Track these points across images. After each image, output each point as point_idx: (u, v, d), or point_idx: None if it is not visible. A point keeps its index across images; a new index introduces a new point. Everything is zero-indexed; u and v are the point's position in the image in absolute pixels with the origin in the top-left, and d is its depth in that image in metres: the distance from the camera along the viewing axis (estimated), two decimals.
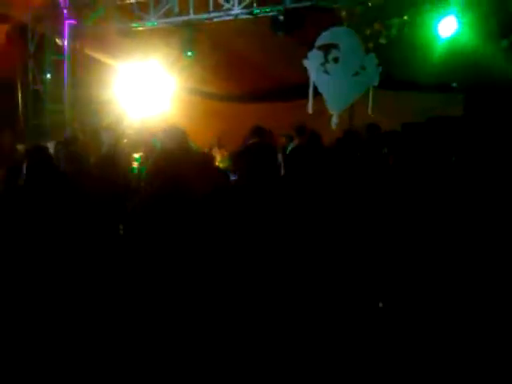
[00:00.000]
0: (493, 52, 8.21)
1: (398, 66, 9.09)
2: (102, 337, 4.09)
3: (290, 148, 7.07)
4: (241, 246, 3.68)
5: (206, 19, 8.52)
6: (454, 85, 10.35)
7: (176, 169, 4.89)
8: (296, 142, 7.11)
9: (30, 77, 9.24)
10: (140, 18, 8.91)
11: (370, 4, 7.36)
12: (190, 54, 9.02)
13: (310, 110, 8.69)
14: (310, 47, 8.54)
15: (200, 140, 9.00)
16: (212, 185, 4.35)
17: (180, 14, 8.57)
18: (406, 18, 7.98)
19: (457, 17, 7.37)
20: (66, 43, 9.34)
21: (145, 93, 10.36)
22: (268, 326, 3.51)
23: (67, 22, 9.27)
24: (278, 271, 3.58)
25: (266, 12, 8.04)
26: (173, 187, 4.53)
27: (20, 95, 10.53)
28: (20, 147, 8.50)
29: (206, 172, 4.87)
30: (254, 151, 4.24)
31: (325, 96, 8.64)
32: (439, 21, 7.46)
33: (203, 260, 3.78)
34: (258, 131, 7.06)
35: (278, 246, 3.64)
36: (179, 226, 4.06)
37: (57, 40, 9.33)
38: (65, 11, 9.22)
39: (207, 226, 3.86)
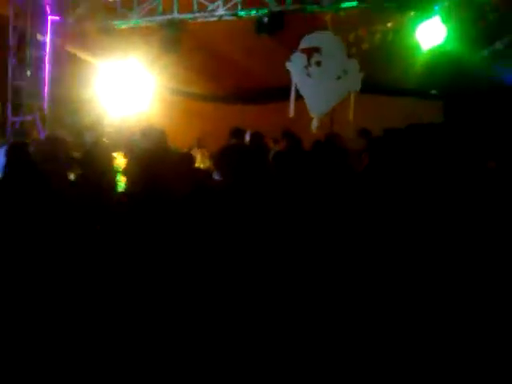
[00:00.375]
0: (473, 61, 8.32)
1: (379, 72, 9.16)
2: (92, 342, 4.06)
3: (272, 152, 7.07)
4: (223, 247, 3.68)
5: (190, 19, 8.48)
6: (434, 92, 10.47)
7: (154, 169, 4.86)
8: (280, 145, 7.10)
9: (10, 72, 9.11)
10: (123, 16, 8.86)
11: (354, 10, 7.37)
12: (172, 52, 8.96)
13: (291, 112, 8.73)
14: (294, 50, 8.59)
15: (181, 140, 8.96)
16: (191, 185, 4.35)
17: (164, 12, 8.53)
18: (389, 24, 8.06)
19: (439, 25, 7.44)
20: (47, 39, 9.23)
21: (125, 91, 10.30)
22: (250, 326, 3.52)
23: (49, 17, 9.17)
24: (260, 270, 3.60)
25: (251, 14, 8.03)
26: (151, 187, 4.51)
27: None
28: None
29: (185, 172, 4.85)
30: (238, 151, 4.27)
31: (306, 99, 8.69)
32: (422, 29, 7.52)
33: (185, 261, 3.77)
34: (236, 133, 7.08)
35: (260, 247, 3.66)
36: (158, 227, 4.04)
37: (38, 36, 9.21)
38: (47, 7, 9.12)
39: (188, 227, 3.85)
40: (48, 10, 9.17)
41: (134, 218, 4.25)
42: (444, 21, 7.24)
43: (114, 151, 8.29)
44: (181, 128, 9.89)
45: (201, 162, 9.22)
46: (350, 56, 8.45)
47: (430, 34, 7.63)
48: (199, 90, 12.38)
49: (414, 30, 7.72)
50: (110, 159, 7.19)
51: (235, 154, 4.17)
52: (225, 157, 4.26)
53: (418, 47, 8.02)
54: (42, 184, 5.78)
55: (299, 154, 6.39)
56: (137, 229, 4.16)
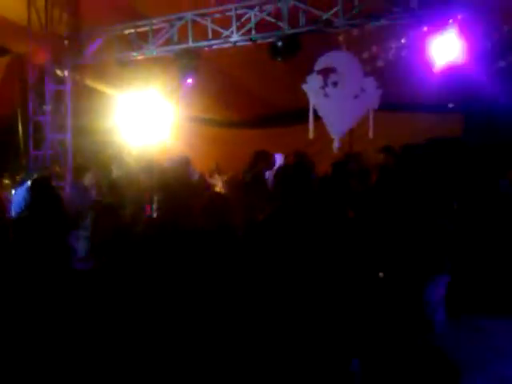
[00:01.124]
0: (490, 73, 8.29)
1: (396, 88, 9.15)
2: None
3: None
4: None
5: (205, 47, 8.57)
6: (451, 105, 10.44)
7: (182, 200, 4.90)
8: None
9: (31, 108, 9.27)
10: (139, 47, 8.98)
11: (367, 28, 7.40)
12: (189, 81, 9.05)
13: (310, 134, 8.71)
14: (309, 72, 8.61)
15: (200, 167, 9.02)
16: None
17: (179, 42, 8.63)
18: (403, 40, 8.07)
19: (454, 39, 7.42)
20: (66, 74, 9.40)
21: (145, 121, 10.41)
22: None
23: (67, 53, 9.34)
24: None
25: (265, 38, 8.09)
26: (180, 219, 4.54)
27: (21, 126, 10.59)
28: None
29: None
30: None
31: (325, 120, 8.67)
32: (436, 43, 7.51)
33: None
34: (263, 156, 7.07)
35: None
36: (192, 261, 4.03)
37: (57, 71, 9.38)
38: (65, 42, 9.30)
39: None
40: (66, 45, 9.34)
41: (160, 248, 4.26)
42: (459, 34, 7.22)
43: (137, 181, 8.41)
44: (200, 155, 9.96)
45: (221, 187, 9.25)
46: (366, 74, 8.44)
47: (445, 48, 7.60)
48: (217, 117, 12.49)
49: (428, 45, 7.71)
50: (135, 190, 7.26)
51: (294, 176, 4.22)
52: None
53: (433, 62, 8.01)
54: (65, 216, 5.86)
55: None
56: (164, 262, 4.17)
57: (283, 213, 4.17)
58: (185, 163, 7.29)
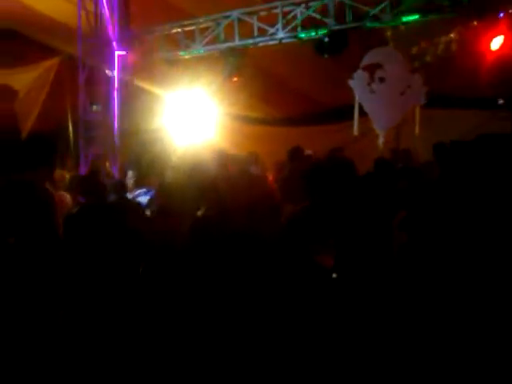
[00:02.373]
0: None
1: (444, 84, 9.04)
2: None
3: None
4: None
5: (251, 45, 8.62)
6: (501, 102, 10.23)
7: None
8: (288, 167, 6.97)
9: (81, 108, 9.48)
10: (186, 46, 9.09)
11: (414, 23, 7.32)
12: (235, 79, 9.11)
13: (355, 131, 8.69)
14: (355, 68, 8.57)
15: None
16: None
17: (225, 40, 8.70)
18: (452, 35, 7.96)
19: (504, 33, 7.29)
20: (115, 74, 9.57)
21: (191, 120, 10.53)
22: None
23: (116, 53, 9.51)
24: None
25: (311, 35, 8.08)
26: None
27: (71, 126, 10.83)
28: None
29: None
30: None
31: (371, 116, 8.63)
32: (487, 37, 7.38)
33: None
34: (295, 153, 7.02)
35: None
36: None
37: (106, 71, 9.56)
38: (114, 43, 9.47)
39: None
40: (115, 46, 9.51)
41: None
42: (509, 28, 7.08)
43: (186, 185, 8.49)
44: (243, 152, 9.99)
45: None
46: (413, 70, 8.36)
47: (496, 43, 7.47)
48: (261, 115, 12.51)
49: (477, 40, 7.59)
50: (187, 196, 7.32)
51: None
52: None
53: (483, 57, 7.88)
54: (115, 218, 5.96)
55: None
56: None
57: (308, 213, 4.16)
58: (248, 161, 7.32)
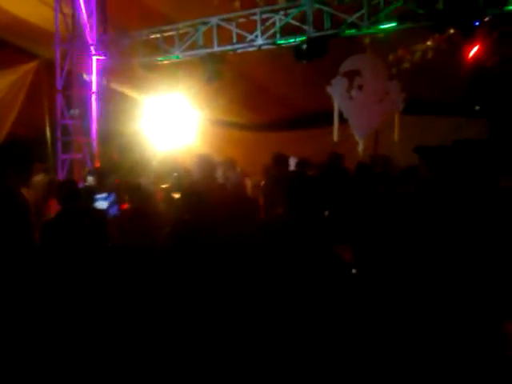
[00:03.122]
0: None
1: (421, 91, 9.13)
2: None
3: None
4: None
5: (230, 51, 8.62)
6: (477, 108, 10.36)
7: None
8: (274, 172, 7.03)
9: (59, 112, 9.41)
10: (165, 52, 9.06)
11: (392, 30, 7.38)
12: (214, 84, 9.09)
13: (335, 137, 8.72)
14: (334, 75, 8.62)
15: None
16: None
17: (204, 46, 8.69)
18: (429, 43, 8.04)
19: (479, 41, 7.38)
20: (93, 78, 9.52)
21: (170, 125, 10.50)
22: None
23: (94, 57, 9.47)
24: None
25: (289, 42, 8.11)
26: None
27: (48, 130, 10.75)
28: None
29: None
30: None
31: (350, 122, 8.68)
32: (463, 45, 7.47)
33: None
34: (280, 160, 7.05)
35: None
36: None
37: (84, 75, 9.52)
38: (91, 47, 9.43)
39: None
40: (92, 50, 9.46)
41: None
42: (485, 36, 7.17)
43: (161, 184, 8.49)
44: (223, 157, 9.98)
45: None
46: (390, 77, 8.43)
47: (471, 51, 7.56)
48: (241, 120, 12.54)
49: (454, 48, 7.68)
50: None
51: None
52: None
53: (459, 64, 7.97)
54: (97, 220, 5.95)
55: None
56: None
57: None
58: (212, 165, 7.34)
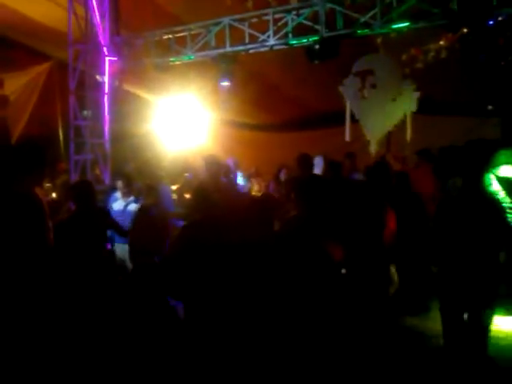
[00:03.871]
0: None
1: (434, 91, 9.08)
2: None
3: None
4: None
5: (242, 51, 8.61)
6: (490, 107, 10.29)
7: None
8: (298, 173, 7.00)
9: (72, 113, 9.44)
10: (177, 52, 9.07)
11: (405, 30, 7.33)
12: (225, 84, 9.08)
13: (347, 136, 8.70)
14: (346, 75, 8.59)
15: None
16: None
17: (216, 46, 8.69)
18: (442, 42, 7.99)
19: (493, 40, 7.32)
20: (105, 79, 9.54)
21: (182, 126, 10.53)
22: None
23: (106, 58, 9.49)
24: None
25: (302, 42, 8.08)
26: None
27: (61, 131, 10.80)
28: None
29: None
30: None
31: (362, 122, 8.65)
32: (476, 45, 7.41)
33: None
34: (304, 161, 7.01)
35: None
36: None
37: (97, 76, 9.54)
38: (104, 48, 9.46)
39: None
40: (105, 51, 9.49)
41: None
42: (498, 35, 7.11)
43: (172, 184, 8.51)
44: (236, 158, 10.00)
45: (258, 191, 9.30)
46: (404, 76, 8.39)
47: (485, 50, 7.50)
48: (253, 120, 12.55)
49: (467, 47, 7.62)
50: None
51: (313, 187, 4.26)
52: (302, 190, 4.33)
53: (472, 63, 7.92)
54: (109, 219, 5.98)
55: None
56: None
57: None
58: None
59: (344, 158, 7.94)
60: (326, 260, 3.97)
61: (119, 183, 7.54)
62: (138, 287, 5.76)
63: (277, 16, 8.12)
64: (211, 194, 5.05)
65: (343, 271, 4.74)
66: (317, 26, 7.78)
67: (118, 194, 7.57)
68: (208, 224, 4.56)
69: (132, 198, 7.38)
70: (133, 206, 7.11)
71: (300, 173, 6.84)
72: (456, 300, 4.65)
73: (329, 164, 7.51)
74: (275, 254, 3.97)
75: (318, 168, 7.83)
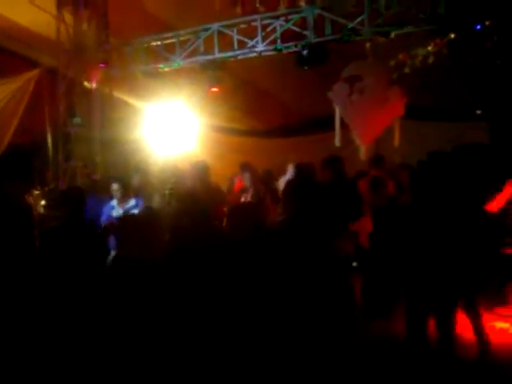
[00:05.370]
0: None
1: (422, 96, 9.12)
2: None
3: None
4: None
5: (231, 57, 8.63)
6: (479, 112, 10.35)
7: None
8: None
9: (61, 120, 9.41)
10: (166, 59, 9.08)
11: (393, 35, 7.37)
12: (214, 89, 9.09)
13: (337, 142, 8.71)
14: (335, 80, 8.61)
15: (225, 176, 9.07)
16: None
17: (205, 53, 8.71)
18: (429, 47, 8.03)
19: (481, 45, 7.37)
20: (94, 86, 9.53)
21: (171, 132, 10.50)
22: None
23: (95, 65, 9.48)
24: None
25: (290, 48, 8.12)
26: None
27: (50, 138, 10.74)
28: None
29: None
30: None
31: (352, 127, 8.67)
32: (463, 49, 7.46)
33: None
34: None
35: None
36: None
37: (85, 83, 9.52)
38: (93, 55, 9.43)
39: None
40: (94, 58, 9.47)
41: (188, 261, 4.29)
42: (486, 39, 7.16)
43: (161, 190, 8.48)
44: (225, 164, 10.02)
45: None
46: (392, 82, 8.42)
47: (472, 55, 7.56)
48: (243, 126, 12.54)
49: (455, 51, 7.67)
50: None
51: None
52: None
53: (460, 68, 7.98)
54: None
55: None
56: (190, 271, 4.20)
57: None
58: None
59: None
60: (329, 256, 3.97)
61: (114, 186, 7.31)
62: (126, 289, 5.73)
63: (265, 22, 8.17)
64: (199, 199, 5.06)
65: (354, 264, 4.78)
66: (305, 32, 7.82)
67: (114, 202, 7.35)
68: (195, 228, 4.57)
69: (132, 203, 7.24)
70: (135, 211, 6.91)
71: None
72: (423, 299, 4.69)
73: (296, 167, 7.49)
74: (269, 251, 3.99)
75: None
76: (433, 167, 5.77)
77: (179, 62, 9.03)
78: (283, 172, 8.07)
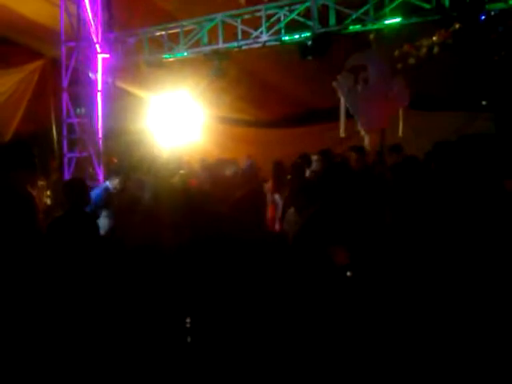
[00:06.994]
0: None
1: (427, 86, 9.09)
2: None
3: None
4: None
5: (235, 47, 8.60)
6: (484, 103, 10.32)
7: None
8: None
9: (65, 110, 9.42)
10: (170, 49, 9.06)
11: (397, 26, 7.34)
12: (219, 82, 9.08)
13: (341, 132, 8.71)
14: (340, 70, 8.60)
15: None
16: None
17: (209, 43, 8.69)
18: (434, 38, 8.00)
19: (485, 35, 7.34)
20: (98, 77, 9.53)
21: (175, 122, 10.51)
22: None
23: (99, 56, 9.47)
24: None
25: (294, 38, 8.09)
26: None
27: (55, 128, 10.78)
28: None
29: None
30: None
31: (356, 117, 8.66)
32: (467, 40, 7.42)
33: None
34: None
35: None
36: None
37: (89, 74, 9.52)
38: (97, 46, 9.43)
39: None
40: (98, 48, 9.47)
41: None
42: (491, 30, 7.13)
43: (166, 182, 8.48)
44: (229, 154, 10.00)
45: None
46: (396, 72, 8.40)
47: (476, 46, 7.53)
48: (247, 117, 12.53)
49: (459, 42, 7.64)
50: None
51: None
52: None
53: (464, 59, 7.94)
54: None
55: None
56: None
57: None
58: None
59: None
60: (326, 265, 3.96)
61: (115, 182, 7.28)
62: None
63: (269, 12, 8.13)
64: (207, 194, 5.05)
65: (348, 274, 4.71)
66: (309, 22, 7.78)
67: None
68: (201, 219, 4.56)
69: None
70: None
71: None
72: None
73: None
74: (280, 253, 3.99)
75: None
76: (439, 157, 5.75)
77: (183, 53, 9.00)
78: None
